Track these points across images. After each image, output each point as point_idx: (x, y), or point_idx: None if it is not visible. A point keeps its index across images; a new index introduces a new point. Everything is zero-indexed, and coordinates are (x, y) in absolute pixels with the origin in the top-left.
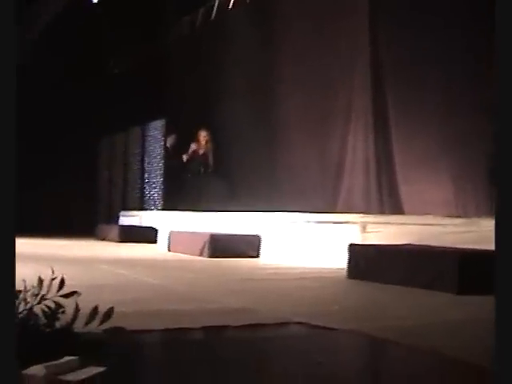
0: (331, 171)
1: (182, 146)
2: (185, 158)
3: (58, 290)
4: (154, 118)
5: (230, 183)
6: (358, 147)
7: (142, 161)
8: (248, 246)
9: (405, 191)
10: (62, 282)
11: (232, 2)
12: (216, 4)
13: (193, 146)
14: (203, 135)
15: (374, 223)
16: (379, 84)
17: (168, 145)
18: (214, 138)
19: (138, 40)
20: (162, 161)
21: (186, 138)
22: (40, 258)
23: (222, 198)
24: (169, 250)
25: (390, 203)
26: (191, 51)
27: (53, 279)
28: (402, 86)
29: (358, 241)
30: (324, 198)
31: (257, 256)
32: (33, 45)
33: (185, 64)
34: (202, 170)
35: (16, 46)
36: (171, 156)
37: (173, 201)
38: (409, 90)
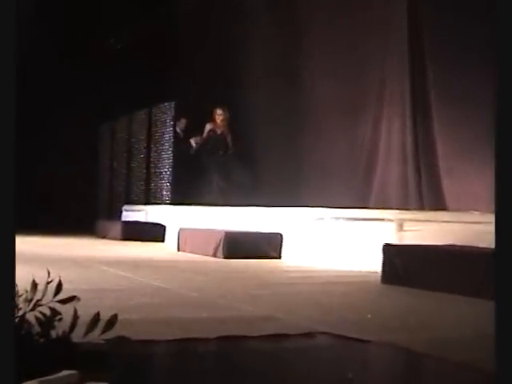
0: (363, 161)
1: (194, 129)
2: (193, 141)
3: (55, 295)
4: (162, 100)
5: (251, 169)
6: (393, 134)
7: (148, 148)
8: (268, 246)
9: (447, 184)
10: (59, 286)
11: None
12: None
13: (208, 126)
14: (219, 113)
15: (412, 220)
16: (418, 63)
17: (178, 130)
18: (232, 118)
19: (141, 12)
20: (171, 148)
21: (198, 120)
22: (33, 259)
23: (243, 185)
24: (178, 250)
25: (430, 198)
26: (202, 24)
27: (48, 282)
28: (445, 64)
29: (394, 241)
30: (355, 192)
31: (278, 257)
32: (26, 21)
33: (195, 38)
34: (221, 152)
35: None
36: (182, 142)
37: (183, 194)
38: (452, 69)
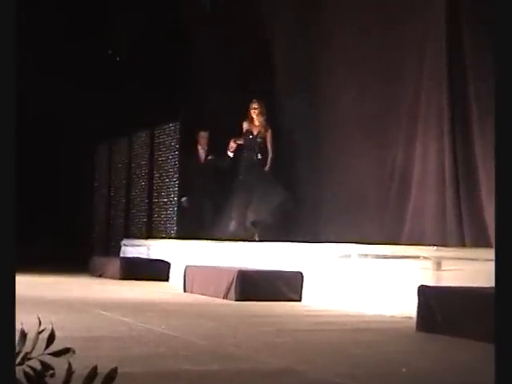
0: (394, 188)
1: (215, 147)
2: (231, 152)
3: (46, 347)
4: (166, 120)
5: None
6: (429, 156)
7: (151, 175)
8: (287, 287)
9: (491, 216)
10: (52, 337)
11: None
12: None
13: (245, 126)
14: (254, 107)
15: (451, 259)
16: (458, 76)
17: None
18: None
19: (144, 18)
20: (177, 175)
21: (218, 135)
22: (21, 301)
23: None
24: (184, 291)
25: (472, 232)
26: (213, 34)
27: (39, 332)
28: (488, 77)
29: (431, 282)
30: (385, 225)
31: (299, 299)
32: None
33: (206, 48)
34: (258, 156)
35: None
36: (208, 160)
37: (190, 227)
38: None
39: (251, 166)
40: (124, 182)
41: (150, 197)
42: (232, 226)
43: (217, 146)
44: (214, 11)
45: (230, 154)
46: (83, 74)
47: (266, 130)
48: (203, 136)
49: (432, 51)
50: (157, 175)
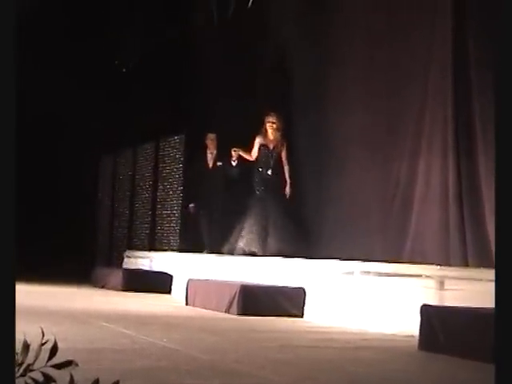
0: (396, 205)
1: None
2: (233, 161)
3: (49, 359)
4: (171, 133)
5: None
6: (432, 172)
7: (154, 187)
8: (289, 302)
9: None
10: (54, 349)
11: None
12: None
13: (259, 140)
14: (271, 120)
15: (454, 278)
16: (462, 93)
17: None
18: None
19: (150, 29)
20: (181, 187)
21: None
22: (23, 311)
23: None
24: (186, 304)
25: (475, 250)
26: (218, 47)
27: (42, 344)
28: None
29: (434, 301)
30: (387, 241)
31: (300, 315)
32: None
33: (212, 61)
34: (274, 172)
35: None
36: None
37: (193, 239)
38: None
39: (267, 182)
40: (128, 193)
41: (153, 209)
42: (241, 244)
43: (226, 152)
44: (221, 23)
45: (233, 163)
46: (90, 84)
47: (282, 145)
48: (211, 138)
49: (437, 69)
50: (161, 187)
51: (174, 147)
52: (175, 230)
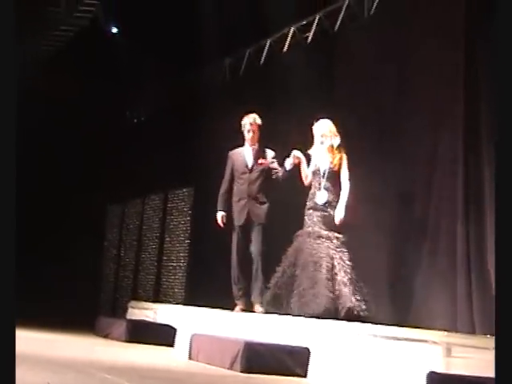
0: (403, 270)
1: None
2: (290, 165)
3: None
4: (180, 185)
5: None
6: (440, 238)
7: (161, 239)
8: (293, 361)
9: None
10: None
11: (288, 43)
12: (267, 46)
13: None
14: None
15: (461, 346)
16: (474, 156)
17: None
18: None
19: (162, 83)
20: (188, 240)
21: None
22: (23, 359)
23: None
24: (189, 358)
25: (484, 317)
26: (229, 102)
27: None
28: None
29: (441, 368)
30: (391, 304)
31: (304, 375)
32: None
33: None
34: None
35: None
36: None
37: (199, 293)
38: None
39: (324, 213)
40: (134, 243)
41: (159, 260)
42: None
43: None
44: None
45: (288, 167)
46: (101, 133)
47: (341, 158)
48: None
49: (447, 136)
50: (167, 239)
51: (182, 200)
52: (181, 282)
